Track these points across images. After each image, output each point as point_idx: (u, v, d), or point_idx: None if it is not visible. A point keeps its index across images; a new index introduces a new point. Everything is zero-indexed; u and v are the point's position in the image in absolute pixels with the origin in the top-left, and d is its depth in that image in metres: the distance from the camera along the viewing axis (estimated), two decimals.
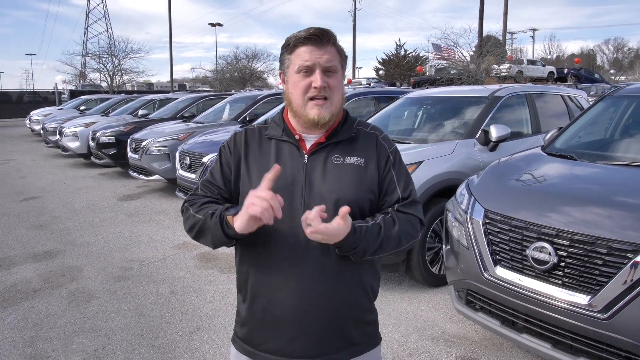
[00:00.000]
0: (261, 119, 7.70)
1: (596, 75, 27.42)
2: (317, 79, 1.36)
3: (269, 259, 1.39)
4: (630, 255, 2.16)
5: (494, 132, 4.32)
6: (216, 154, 6.07)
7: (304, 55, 1.37)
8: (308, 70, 1.37)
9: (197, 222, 1.39)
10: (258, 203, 1.19)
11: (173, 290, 4.10)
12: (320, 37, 1.37)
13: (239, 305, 1.51)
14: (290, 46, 1.39)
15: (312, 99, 1.38)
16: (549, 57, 57.66)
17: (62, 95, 33.67)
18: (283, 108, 1.52)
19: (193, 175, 6.08)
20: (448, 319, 3.52)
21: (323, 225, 1.21)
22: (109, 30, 55.78)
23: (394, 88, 11.37)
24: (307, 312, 1.38)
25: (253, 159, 1.45)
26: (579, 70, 25.88)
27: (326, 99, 1.38)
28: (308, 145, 1.44)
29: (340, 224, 1.23)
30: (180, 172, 6.50)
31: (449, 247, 3.19)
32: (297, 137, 1.44)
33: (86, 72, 39.46)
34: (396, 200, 1.44)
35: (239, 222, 1.26)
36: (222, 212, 1.34)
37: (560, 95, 5.77)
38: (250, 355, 1.47)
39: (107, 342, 3.25)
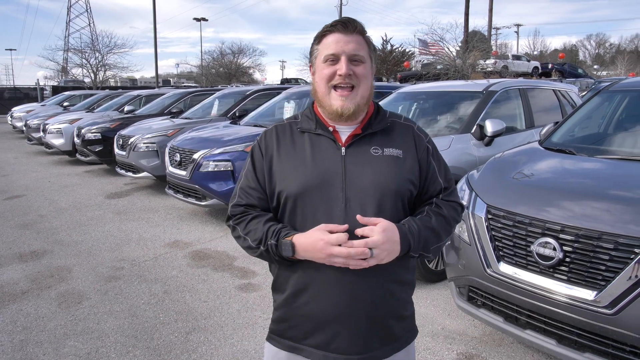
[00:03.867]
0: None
1: (579, 71, 27.77)
2: (342, 66, 1.34)
3: None
4: (637, 251, 2.14)
5: (490, 127, 4.30)
6: (207, 149, 5.88)
7: (330, 44, 1.36)
8: (334, 59, 1.35)
9: (251, 248, 1.41)
10: (339, 254, 1.27)
11: (166, 290, 4.01)
12: (345, 25, 1.36)
13: (277, 303, 1.49)
14: (319, 36, 1.40)
15: (336, 87, 1.36)
16: (533, 52, 58.26)
17: (45, 92, 33.01)
18: (313, 102, 1.49)
19: (184, 172, 5.96)
20: (447, 315, 3.50)
21: (363, 240, 1.26)
22: (92, 24, 54.90)
23: (385, 83, 11.33)
24: (349, 308, 1.36)
25: (286, 155, 1.42)
26: (562, 66, 26.22)
27: (353, 88, 1.36)
28: (343, 137, 1.41)
29: (378, 228, 1.27)
30: (170, 169, 6.37)
31: (448, 242, 3.16)
32: (330, 129, 1.41)
33: (68, 68, 38.76)
34: (439, 191, 1.47)
35: (308, 256, 1.32)
36: (280, 254, 1.35)
37: (552, 89, 5.79)
38: (293, 351, 1.45)
39: (100, 344, 3.16)
